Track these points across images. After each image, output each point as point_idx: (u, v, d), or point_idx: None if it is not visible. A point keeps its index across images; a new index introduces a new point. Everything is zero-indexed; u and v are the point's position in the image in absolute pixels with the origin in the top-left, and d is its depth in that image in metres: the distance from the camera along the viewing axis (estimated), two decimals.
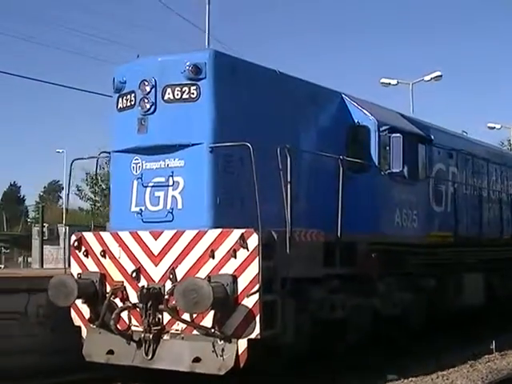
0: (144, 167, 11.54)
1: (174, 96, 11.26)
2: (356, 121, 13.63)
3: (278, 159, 10.83)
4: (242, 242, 10.52)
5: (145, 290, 10.98)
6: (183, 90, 11.22)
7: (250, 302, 10.46)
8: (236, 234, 10.58)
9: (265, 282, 10.55)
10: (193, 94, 11.18)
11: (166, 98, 11.30)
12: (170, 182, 11.28)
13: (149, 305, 11.01)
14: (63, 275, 11.74)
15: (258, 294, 10.41)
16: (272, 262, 10.76)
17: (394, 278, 13.78)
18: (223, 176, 11.15)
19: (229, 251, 10.61)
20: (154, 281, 11.12)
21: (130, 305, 11.25)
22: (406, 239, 14.00)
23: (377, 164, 13.44)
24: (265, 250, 10.52)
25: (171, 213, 11.27)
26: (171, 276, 10.98)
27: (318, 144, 13.06)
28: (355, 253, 12.66)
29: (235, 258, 10.59)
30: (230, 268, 10.63)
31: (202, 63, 11.15)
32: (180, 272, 10.97)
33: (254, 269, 10.46)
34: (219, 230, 10.77)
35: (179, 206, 11.24)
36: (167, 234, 11.11)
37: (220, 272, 10.67)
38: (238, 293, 10.52)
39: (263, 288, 10.49)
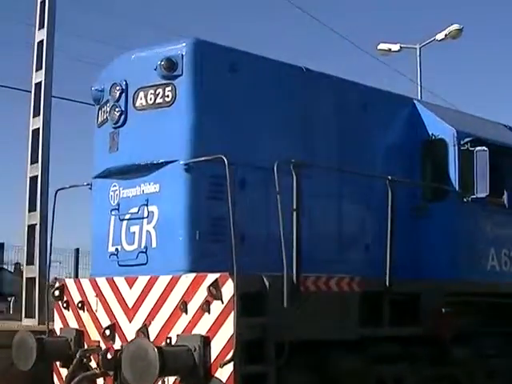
0: (121, 195, 9.12)
1: (146, 101, 8.82)
2: (431, 133, 10.48)
3: (275, 178, 8.03)
4: (215, 290, 7.79)
5: (105, 356, 8.47)
6: (157, 92, 8.75)
7: (223, 374, 7.68)
8: (209, 279, 7.87)
9: (251, 348, 7.77)
10: (167, 96, 8.68)
11: (137, 104, 8.89)
12: (145, 213, 8.78)
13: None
14: (25, 332, 9.46)
15: (232, 364, 7.59)
16: (262, 319, 7.93)
17: (491, 339, 10.40)
18: (207, 203, 8.48)
19: (202, 304, 7.91)
20: (127, 341, 8.57)
21: (97, 372, 8.77)
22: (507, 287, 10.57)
23: (457, 188, 10.18)
24: (249, 303, 7.77)
25: (145, 253, 8.74)
26: (143, 336, 8.40)
27: (376, 164, 10.07)
28: (418, 307, 9.45)
29: (209, 312, 7.87)
30: (202, 326, 7.93)
31: (177, 56, 8.65)
32: (153, 331, 8.38)
33: (228, 328, 7.68)
34: (193, 276, 8.09)
35: (153, 244, 8.70)
36: (141, 281, 8.60)
37: (193, 331, 7.98)
38: (212, 360, 7.76)
39: (247, 356, 7.75)
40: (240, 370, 7.65)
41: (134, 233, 8.87)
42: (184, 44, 8.71)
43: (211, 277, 7.89)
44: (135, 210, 8.83)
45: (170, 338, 8.03)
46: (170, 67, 8.59)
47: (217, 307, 7.81)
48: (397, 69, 33.90)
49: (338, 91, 9.86)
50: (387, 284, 9.03)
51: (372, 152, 10.15)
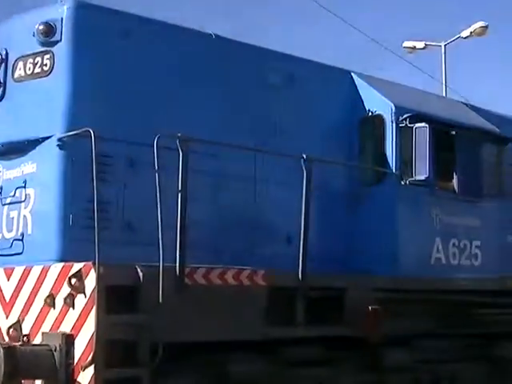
0: (4, 177, 8.24)
1: (25, 71, 7.94)
2: (368, 109, 9.43)
3: (154, 154, 7.08)
4: (78, 282, 6.88)
5: None
6: (36, 61, 7.88)
7: (85, 378, 6.75)
8: (73, 270, 6.96)
9: (121, 349, 6.85)
10: (45, 65, 7.81)
11: (16, 75, 8.02)
12: (22, 197, 7.89)
13: None
14: None
15: (93, 368, 6.67)
16: (135, 316, 6.99)
17: (437, 342, 9.34)
18: (84, 185, 7.53)
19: (66, 297, 7.00)
20: (4, 339, 7.69)
21: None
22: (455, 283, 9.46)
23: (394, 170, 9.11)
24: (123, 297, 6.86)
25: (21, 240, 7.85)
26: (15, 333, 7.51)
27: (306, 144, 9.04)
28: (343, 305, 8.42)
29: (73, 307, 6.96)
30: (68, 323, 7.02)
31: (56, 20, 7.75)
32: (26, 327, 7.47)
33: (90, 326, 6.76)
34: (60, 266, 7.18)
35: (29, 231, 7.80)
36: (17, 273, 7.68)
37: (60, 328, 7.08)
38: (75, 362, 6.85)
39: (119, 357, 6.83)
40: (104, 374, 6.73)
41: (13, 218, 8.01)
42: (64, 6, 7.80)
43: (76, 266, 6.98)
44: (14, 193, 7.96)
45: (28, 336, 7.14)
46: (48, 32, 7.72)
47: (80, 302, 6.90)
48: (423, 67, 32.54)
49: (257, 62, 8.88)
50: (300, 278, 8.02)
51: (302, 130, 9.13)
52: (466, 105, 10.94)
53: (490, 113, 11.36)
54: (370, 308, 8.40)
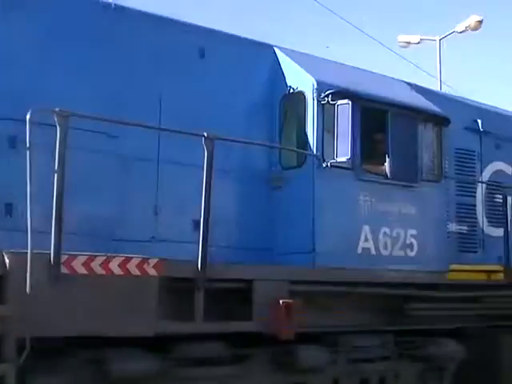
0: None
1: None
2: (290, 86, 8.73)
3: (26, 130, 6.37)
4: None
5: None
6: None
7: None
8: None
9: None
10: None
11: None
12: None
13: None
14: None
15: None
16: (1, 307, 6.31)
17: (362, 338, 8.66)
18: None
19: None
20: None
21: None
22: (382, 275, 8.75)
23: (315, 151, 8.40)
24: None
25: None
26: None
27: (222, 123, 8.35)
28: (251, 298, 7.72)
29: None
30: None
31: None
32: None
33: None
34: None
35: None
36: None
37: None
38: None
39: None
40: None
41: None
42: None
43: None
44: None
45: None
46: None
47: None
48: (419, 62, 31.72)
49: (163, 33, 8.17)
50: (199, 268, 7.32)
51: (215, 108, 8.44)
52: (411, 85, 10.21)
53: (441, 95, 10.74)
54: (280, 302, 7.70)
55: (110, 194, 7.76)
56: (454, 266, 9.62)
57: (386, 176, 8.92)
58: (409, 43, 28.58)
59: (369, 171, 8.89)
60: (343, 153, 8.22)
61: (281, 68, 8.84)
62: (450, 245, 10.15)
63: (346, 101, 8.29)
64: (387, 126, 8.93)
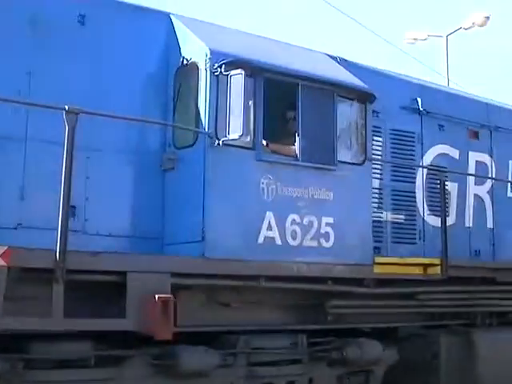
0: None
1: None
2: (183, 56, 7.87)
3: None
4: None
5: None
6: None
7: None
8: None
9: None
10: None
11: None
12: None
13: None
14: None
15: None
16: None
17: (266, 338, 7.79)
18: None
19: None
20: None
21: None
22: (292, 268, 7.87)
23: (207, 128, 7.52)
24: None
25: None
26: None
27: (106, 98, 7.55)
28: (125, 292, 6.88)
29: None
30: None
31: None
32: None
33: None
34: None
35: None
36: None
37: None
38: None
39: None
40: None
41: None
42: None
43: None
44: None
45: None
46: None
47: None
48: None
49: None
50: (57, 258, 6.47)
51: (98, 81, 7.60)
52: (336, 58, 9.29)
53: (374, 71, 9.82)
54: (156, 297, 6.83)
55: None
56: (380, 259, 8.68)
57: (296, 157, 8.04)
58: (416, 40, 28.26)
59: (276, 152, 8.02)
60: (235, 129, 7.33)
61: (176, 37, 7.98)
62: (383, 235, 9.29)
63: (238, 71, 7.41)
64: (297, 100, 8.02)
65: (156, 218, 7.76)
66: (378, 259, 8.64)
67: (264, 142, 8.00)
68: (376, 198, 9.30)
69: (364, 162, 8.60)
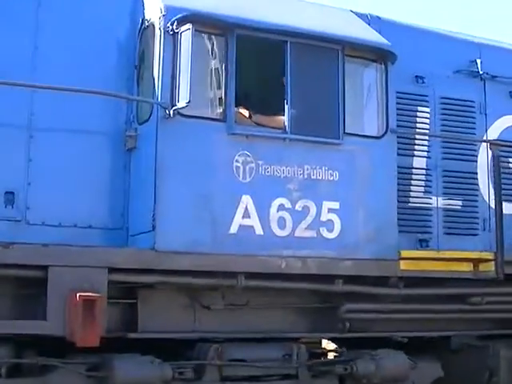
0: None
1: None
2: (143, 18, 6.80)
3: None
4: None
5: None
6: None
7: None
8: None
9: None
10: None
11: None
12: None
13: None
14: None
15: None
16: None
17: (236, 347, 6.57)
18: None
19: None
20: None
21: None
22: (277, 263, 6.56)
23: (160, 98, 6.39)
24: None
25: None
26: None
27: (64, 73, 6.66)
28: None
29: None
30: None
31: None
32: None
33: None
34: None
35: None
36: None
37: None
38: None
39: None
40: None
41: None
42: None
43: None
44: None
45: None
46: None
47: None
48: None
49: None
50: None
51: (61, 52, 6.71)
52: (366, 16, 7.80)
53: (418, 29, 8.23)
54: (77, 295, 5.79)
55: None
56: (408, 253, 7.10)
57: (284, 130, 6.72)
58: None
59: (263, 124, 6.76)
60: (183, 95, 6.17)
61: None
62: (432, 225, 7.68)
63: (188, 26, 6.23)
64: (286, 62, 6.72)
65: (118, 206, 6.73)
66: (406, 253, 7.09)
67: (246, 113, 6.79)
68: (421, 179, 7.72)
69: (384, 134, 7.12)
